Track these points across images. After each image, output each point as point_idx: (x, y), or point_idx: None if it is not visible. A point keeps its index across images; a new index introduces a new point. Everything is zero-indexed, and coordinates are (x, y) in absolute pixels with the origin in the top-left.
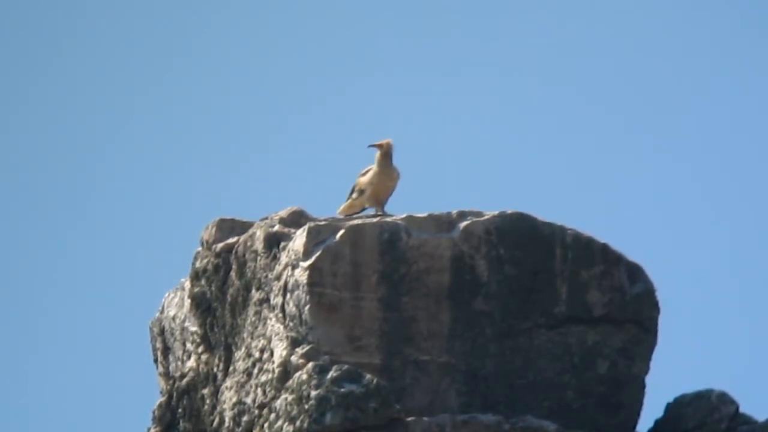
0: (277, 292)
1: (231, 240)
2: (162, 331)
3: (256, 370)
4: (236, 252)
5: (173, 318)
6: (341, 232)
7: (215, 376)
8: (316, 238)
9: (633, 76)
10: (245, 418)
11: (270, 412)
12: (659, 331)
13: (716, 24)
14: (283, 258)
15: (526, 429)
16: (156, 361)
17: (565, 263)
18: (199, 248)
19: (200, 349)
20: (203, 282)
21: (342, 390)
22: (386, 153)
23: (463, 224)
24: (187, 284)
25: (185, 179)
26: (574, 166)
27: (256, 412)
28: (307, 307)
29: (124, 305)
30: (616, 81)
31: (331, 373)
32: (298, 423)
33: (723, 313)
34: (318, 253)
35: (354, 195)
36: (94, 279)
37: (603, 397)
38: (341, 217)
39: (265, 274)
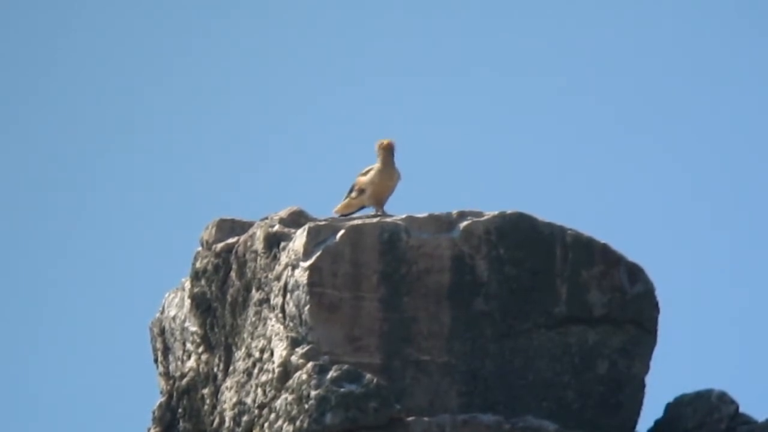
0: (277, 292)
1: (231, 240)
2: (162, 331)
3: (256, 370)
4: (236, 252)
5: (173, 318)
6: (341, 232)
7: (215, 376)
8: (316, 238)
9: (633, 76)
10: (245, 418)
11: (270, 412)
12: (659, 331)
13: (716, 24)
14: (283, 258)
15: (526, 429)
16: (156, 361)
17: (565, 263)
18: (199, 248)
19: (200, 349)
20: (203, 282)
21: (342, 390)
22: (391, 152)
23: (463, 224)
24: (187, 284)
25: (185, 179)
26: (575, 166)
27: (256, 412)
28: (307, 308)
29: (124, 305)
30: (616, 81)
31: (331, 373)
32: (298, 423)
33: (723, 313)
34: (318, 253)
35: (353, 194)
36: (94, 279)
37: (603, 397)
38: (338, 216)
39: (265, 275)
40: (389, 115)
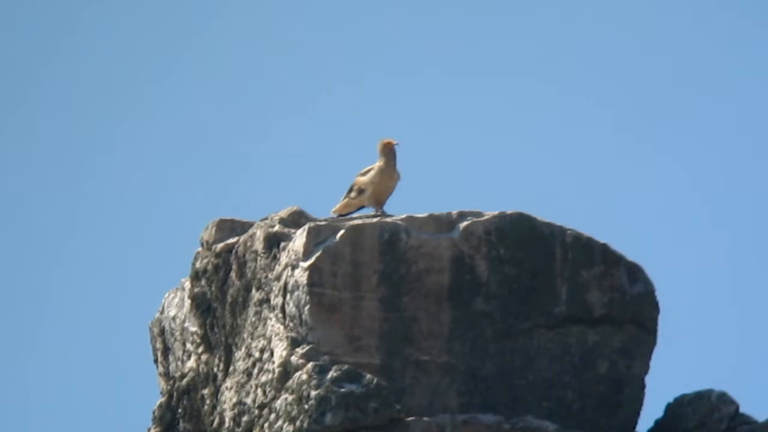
0: (277, 292)
1: (231, 240)
2: (162, 332)
3: (256, 371)
4: (236, 252)
5: (173, 318)
6: (341, 232)
7: (215, 377)
8: (316, 239)
9: (633, 76)
10: (245, 419)
11: (270, 412)
12: (659, 331)
13: (715, 23)
14: (283, 258)
15: (526, 429)
16: (156, 361)
17: (565, 263)
18: (199, 248)
19: (200, 350)
20: (203, 282)
21: (342, 390)
22: (392, 152)
23: (463, 224)
24: (187, 284)
25: (185, 179)
26: (574, 166)
27: (256, 412)
28: (307, 308)
29: (124, 305)
30: (616, 81)
31: (331, 373)
32: (298, 423)
33: (723, 312)
34: (318, 254)
35: (352, 194)
36: (94, 279)
37: (603, 397)
38: (336, 216)
39: (265, 275)
40: (389, 115)
